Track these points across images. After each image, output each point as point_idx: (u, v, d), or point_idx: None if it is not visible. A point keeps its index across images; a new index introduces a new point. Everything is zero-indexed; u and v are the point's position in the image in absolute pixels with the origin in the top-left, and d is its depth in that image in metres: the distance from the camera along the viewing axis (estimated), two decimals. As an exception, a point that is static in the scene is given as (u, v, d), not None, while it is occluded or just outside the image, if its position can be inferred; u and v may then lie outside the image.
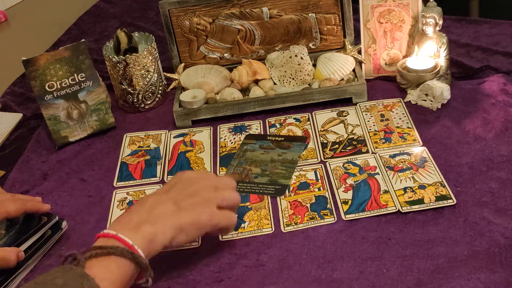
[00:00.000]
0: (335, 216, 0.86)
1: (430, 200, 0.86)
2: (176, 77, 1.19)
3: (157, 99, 1.20)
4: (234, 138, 1.06)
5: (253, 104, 1.11)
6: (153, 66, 1.16)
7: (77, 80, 1.08)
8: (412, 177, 0.91)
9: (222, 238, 0.85)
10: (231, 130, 1.09)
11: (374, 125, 1.04)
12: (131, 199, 0.95)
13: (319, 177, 0.94)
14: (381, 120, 1.05)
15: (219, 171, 0.99)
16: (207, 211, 0.75)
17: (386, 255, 0.78)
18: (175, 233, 0.72)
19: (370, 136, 1.01)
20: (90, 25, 1.66)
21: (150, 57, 1.15)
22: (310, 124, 1.07)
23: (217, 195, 0.77)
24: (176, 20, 1.17)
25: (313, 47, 1.20)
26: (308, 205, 0.88)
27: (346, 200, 0.88)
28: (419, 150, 0.96)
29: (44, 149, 1.12)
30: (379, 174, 0.92)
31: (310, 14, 1.17)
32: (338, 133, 1.04)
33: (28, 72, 1.04)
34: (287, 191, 0.92)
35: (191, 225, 0.74)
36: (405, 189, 0.88)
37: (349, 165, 0.95)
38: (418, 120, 1.04)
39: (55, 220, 0.88)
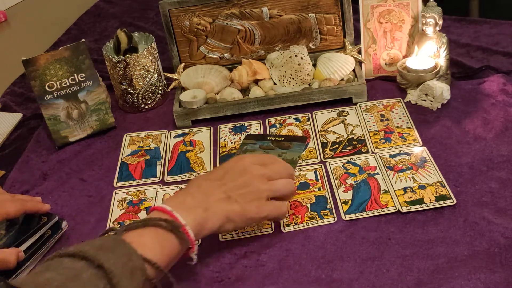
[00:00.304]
0: (335, 216, 0.86)
1: (430, 200, 0.86)
2: (176, 77, 1.19)
3: (157, 99, 1.20)
4: (234, 138, 1.06)
5: (253, 104, 1.11)
6: (153, 66, 1.16)
7: (77, 80, 1.08)
8: (412, 177, 0.90)
9: (222, 238, 0.85)
10: (231, 130, 1.09)
11: (374, 125, 1.04)
12: (131, 199, 0.95)
13: (319, 177, 0.94)
14: (381, 120, 1.05)
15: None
16: (255, 204, 0.77)
17: (386, 255, 0.78)
18: (223, 221, 0.75)
19: (370, 136, 1.01)
20: (90, 25, 1.66)
21: (150, 57, 1.15)
22: (310, 124, 1.07)
23: (269, 187, 0.78)
24: (176, 20, 1.17)
25: (313, 47, 1.20)
26: (308, 205, 0.88)
27: (346, 200, 0.88)
28: (419, 150, 0.96)
29: (44, 149, 1.12)
30: (379, 174, 0.92)
31: (310, 14, 1.17)
32: (338, 133, 1.04)
33: (28, 72, 1.04)
34: None
35: (238, 216, 0.76)
36: (405, 189, 0.88)
37: (349, 165, 0.95)
38: (418, 120, 1.04)
39: (55, 220, 0.88)
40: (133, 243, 0.65)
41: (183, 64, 1.20)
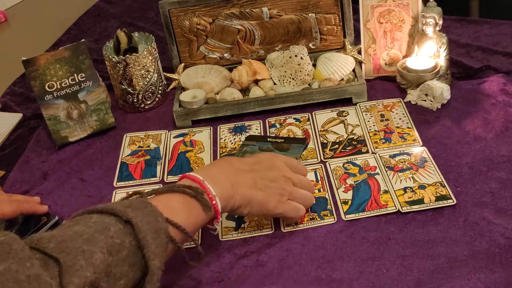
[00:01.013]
0: (335, 216, 0.86)
1: (430, 200, 0.86)
2: (176, 77, 1.19)
3: (157, 99, 1.20)
4: (234, 139, 1.06)
5: (253, 104, 1.11)
6: (153, 66, 1.16)
7: (77, 80, 1.08)
8: (412, 177, 0.90)
9: (222, 238, 0.85)
10: (231, 130, 1.09)
11: (374, 125, 1.04)
12: (131, 199, 0.95)
13: (319, 178, 0.94)
14: (381, 120, 1.05)
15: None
16: (276, 198, 0.79)
17: (386, 255, 0.78)
18: (243, 203, 0.77)
19: (370, 136, 1.01)
20: (90, 25, 1.66)
21: (150, 57, 1.15)
22: (310, 124, 1.07)
23: (292, 190, 0.81)
24: (176, 20, 1.17)
25: (313, 47, 1.20)
26: (308, 205, 0.88)
27: (346, 200, 0.88)
28: (419, 150, 0.96)
29: (44, 149, 1.12)
30: (379, 174, 0.92)
31: (310, 14, 1.17)
32: (338, 133, 1.04)
33: (28, 72, 1.04)
34: None
35: (258, 204, 0.78)
36: (405, 189, 0.88)
37: (349, 165, 0.95)
38: (418, 120, 1.04)
39: (55, 221, 0.88)
40: (159, 206, 0.67)
41: (183, 64, 1.20)
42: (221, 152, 1.04)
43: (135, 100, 1.17)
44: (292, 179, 0.82)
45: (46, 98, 1.07)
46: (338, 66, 1.14)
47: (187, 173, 0.76)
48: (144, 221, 0.64)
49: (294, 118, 1.09)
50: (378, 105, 1.09)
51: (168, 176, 1.00)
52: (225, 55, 1.21)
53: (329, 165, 0.96)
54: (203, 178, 0.74)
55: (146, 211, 0.66)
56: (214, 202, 0.73)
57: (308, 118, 1.09)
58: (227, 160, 0.82)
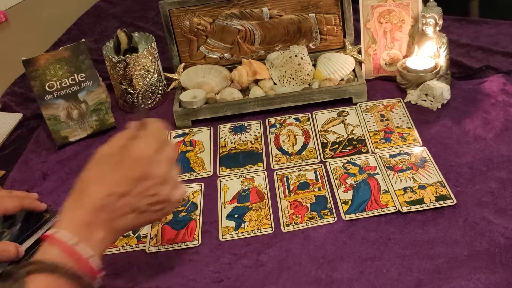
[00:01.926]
0: (335, 216, 0.86)
1: (430, 200, 0.86)
2: (176, 77, 1.19)
3: (157, 99, 1.20)
4: (234, 138, 1.06)
5: (253, 104, 1.11)
6: (153, 66, 1.16)
7: (77, 80, 1.08)
8: (412, 177, 0.90)
9: (222, 238, 0.85)
10: (231, 130, 1.09)
11: (374, 125, 1.04)
12: (131, 199, 0.95)
13: (319, 177, 0.94)
14: (381, 120, 1.05)
15: (219, 171, 0.99)
16: (157, 215, 0.72)
17: (386, 255, 0.78)
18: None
19: (370, 136, 1.01)
20: (90, 25, 1.66)
21: (150, 57, 1.15)
22: (310, 124, 1.07)
23: (168, 194, 0.72)
24: (176, 20, 1.17)
25: (313, 47, 1.20)
26: (308, 205, 0.88)
27: (346, 200, 0.88)
28: (419, 150, 0.96)
29: (44, 149, 1.12)
30: (379, 174, 0.92)
31: (310, 14, 1.17)
32: (338, 133, 1.04)
33: (28, 72, 1.04)
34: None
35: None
36: (405, 189, 0.88)
37: (349, 165, 0.95)
38: (418, 120, 1.04)
39: (57, 218, 0.88)
40: None
41: (183, 64, 1.20)
42: (221, 151, 1.04)
43: (135, 100, 1.17)
44: (166, 173, 0.72)
45: (46, 98, 1.07)
46: (338, 66, 1.14)
47: (52, 234, 0.64)
48: None
49: (294, 118, 1.09)
50: (378, 105, 1.09)
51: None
52: (225, 55, 1.21)
53: (329, 165, 0.96)
54: (76, 241, 0.64)
55: None
56: (90, 263, 0.64)
57: (308, 118, 1.09)
58: (99, 179, 0.70)
